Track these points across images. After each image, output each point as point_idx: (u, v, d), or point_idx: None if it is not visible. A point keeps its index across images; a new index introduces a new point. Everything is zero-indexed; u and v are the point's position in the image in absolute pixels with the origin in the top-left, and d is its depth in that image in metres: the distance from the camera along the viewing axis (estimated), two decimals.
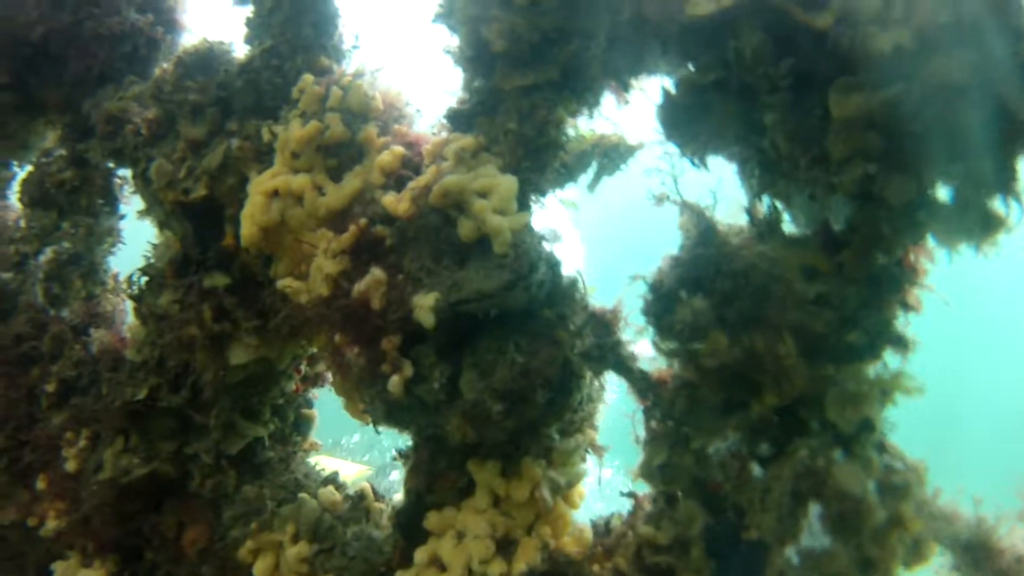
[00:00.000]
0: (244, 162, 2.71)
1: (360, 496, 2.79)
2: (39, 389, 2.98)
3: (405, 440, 2.72)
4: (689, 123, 2.39)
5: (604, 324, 2.33)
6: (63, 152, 3.06)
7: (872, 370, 2.20)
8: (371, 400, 2.44)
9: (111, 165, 3.04)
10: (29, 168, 3.18)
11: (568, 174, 2.74)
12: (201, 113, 2.76)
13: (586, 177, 2.78)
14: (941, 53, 1.94)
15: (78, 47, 2.94)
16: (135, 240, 3.25)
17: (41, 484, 2.96)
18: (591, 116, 2.69)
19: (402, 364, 2.38)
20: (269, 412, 2.89)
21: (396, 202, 2.47)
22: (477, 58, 2.52)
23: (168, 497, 2.82)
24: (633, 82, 2.57)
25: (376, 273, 2.40)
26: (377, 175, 2.60)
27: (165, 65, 2.84)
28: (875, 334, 2.24)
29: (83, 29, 2.93)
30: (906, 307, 2.33)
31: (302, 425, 3.01)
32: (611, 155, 2.71)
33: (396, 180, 2.56)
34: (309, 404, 3.04)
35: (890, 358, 2.26)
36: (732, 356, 2.11)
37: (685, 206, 2.33)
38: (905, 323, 2.29)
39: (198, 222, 2.76)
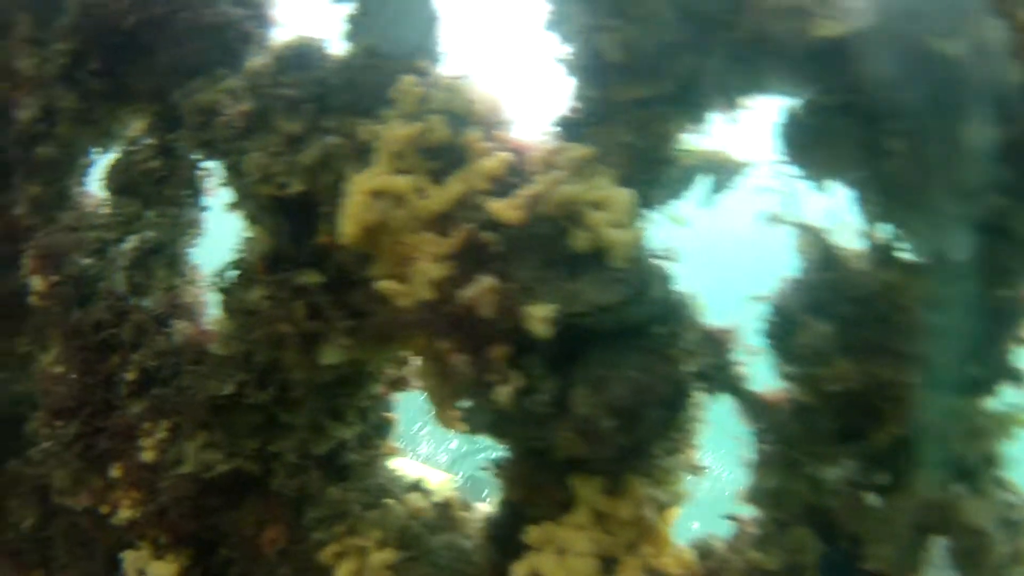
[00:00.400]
0: (341, 160, 2.65)
1: (446, 504, 2.74)
2: (118, 377, 2.93)
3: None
4: (813, 145, 2.35)
5: (718, 343, 2.29)
6: (151, 141, 3.00)
7: (991, 404, 2.16)
8: (475, 410, 2.40)
9: (198, 157, 2.99)
10: (113, 156, 3.13)
11: (672, 190, 2.69)
12: (297, 108, 2.70)
13: (692, 194, 2.74)
14: None
15: (171, 37, 2.88)
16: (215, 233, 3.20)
17: (116, 472, 2.90)
18: (698, 132, 2.64)
19: (510, 374, 2.34)
20: (354, 414, 2.84)
21: (506, 209, 2.42)
22: (590, 68, 2.47)
23: (248, 494, 2.77)
24: (742, 100, 2.53)
25: (487, 280, 2.34)
26: (481, 180, 2.54)
27: (261, 59, 2.78)
28: (994, 368, 2.21)
29: (177, 20, 2.86)
30: (1021, 341, 2.30)
31: (383, 428, 2.96)
32: (721, 172, 2.65)
33: (500, 186, 2.51)
34: (389, 407, 2.99)
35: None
36: (857, 383, 2.07)
37: (805, 228, 2.28)
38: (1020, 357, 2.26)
39: (292, 218, 2.71)
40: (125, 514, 2.86)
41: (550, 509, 2.44)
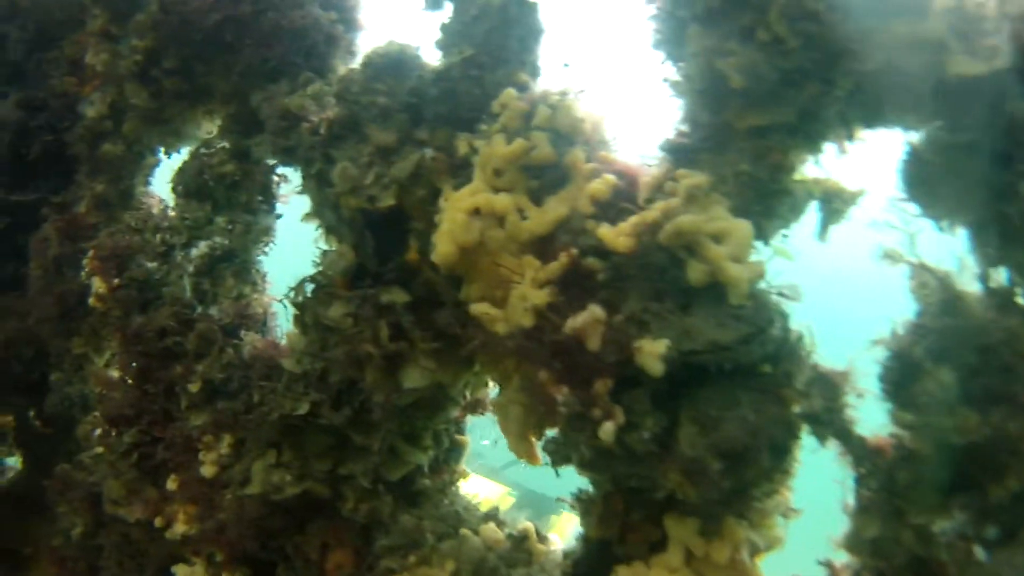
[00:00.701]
0: (437, 174, 2.53)
1: (523, 536, 2.60)
2: (180, 387, 2.79)
3: None
4: (935, 183, 2.25)
5: (831, 386, 2.17)
6: (225, 144, 2.88)
7: None
8: (565, 443, 2.27)
9: (274, 162, 2.86)
10: (184, 157, 3.00)
11: (785, 221, 2.58)
12: (390, 118, 2.58)
13: (801, 225, 2.64)
14: None
15: (255, 38, 2.75)
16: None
17: (172, 484, 2.76)
18: (814, 162, 2.53)
19: (614, 410, 2.22)
20: (430, 438, 2.71)
21: (615, 235, 2.30)
22: (708, 91, 2.35)
23: (315, 517, 2.63)
24: (860, 132, 2.43)
25: (595, 310, 2.22)
26: (586, 203, 2.42)
27: (352, 65, 2.66)
28: None
29: (263, 20, 2.74)
30: None
31: (456, 451, 2.82)
32: (834, 202, 2.55)
33: (605, 210, 2.40)
34: (461, 430, 2.86)
35: None
36: (982, 434, 1.96)
37: (924, 269, 2.18)
38: None
39: (378, 232, 2.58)
40: (180, 528, 2.71)
41: (640, 548, 2.32)
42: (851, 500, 2.26)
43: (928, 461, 2.12)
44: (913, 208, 2.24)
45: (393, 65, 2.66)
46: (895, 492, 2.18)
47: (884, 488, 2.19)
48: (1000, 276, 2.26)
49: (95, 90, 3.02)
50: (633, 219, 2.32)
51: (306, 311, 2.63)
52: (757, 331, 2.08)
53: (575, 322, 2.23)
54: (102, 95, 3.01)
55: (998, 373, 2.04)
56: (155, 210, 3.09)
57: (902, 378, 2.07)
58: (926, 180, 2.21)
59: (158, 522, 2.74)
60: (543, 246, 2.41)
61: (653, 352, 2.11)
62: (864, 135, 2.45)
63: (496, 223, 2.43)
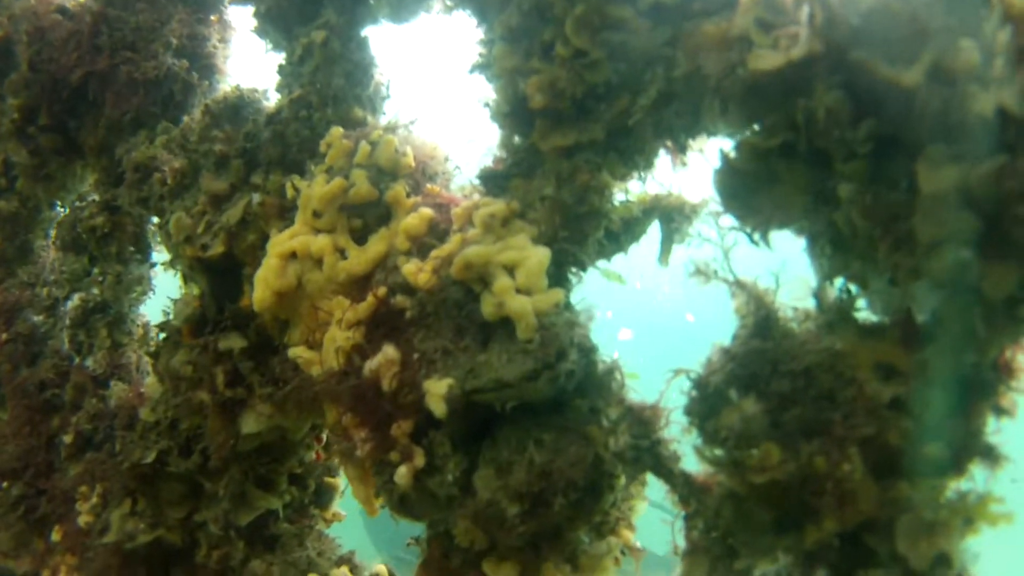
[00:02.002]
0: (266, 219, 2.43)
1: None
2: (58, 439, 2.80)
3: None
4: (751, 193, 2.01)
5: (643, 421, 1.96)
6: (96, 197, 2.88)
7: (953, 490, 1.78)
8: (380, 489, 2.14)
9: (140, 213, 2.85)
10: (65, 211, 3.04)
11: (617, 243, 2.39)
12: (226, 165, 2.52)
13: (640, 247, 2.44)
14: None
15: (114, 91, 2.75)
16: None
17: (56, 536, 2.75)
18: (643, 179, 2.35)
19: (413, 453, 2.07)
20: (286, 482, 2.62)
21: (416, 272, 2.17)
22: (514, 114, 2.18)
23: (175, 566, 2.57)
24: (692, 143, 2.22)
25: (388, 351, 2.09)
26: (402, 240, 2.29)
27: (194, 113, 2.63)
28: (960, 446, 1.82)
29: (119, 73, 2.73)
30: (999, 412, 1.90)
31: (324, 495, 2.71)
32: (674, 219, 2.34)
33: (420, 247, 2.26)
34: (332, 472, 2.75)
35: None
36: (785, 472, 1.72)
37: (739, 287, 1.95)
38: (995, 431, 1.87)
39: (217, 280, 2.52)
40: None
41: None
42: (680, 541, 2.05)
43: (748, 500, 1.89)
44: (730, 221, 2.03)
45: (231, 111, 2.59)
46: (722, 532, 1.95)
47: (711, 528, 1.96)
48: (835, 291, 2.02)
49: None
50: (433, 253, 2.18)
51: (157, 360, 2.58)
52: (544, 366, 1.89)
53: (371, 364, 2.10)
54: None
55: (815, 401, 1.80)
56: (49, 263, 3.13)
57: (706, 410, 1.84)
58: (741, 190, 1.98)
59: (44, 574, 2.73)
60: (361, 287, 2.28)
61: (436, 392, 1.94)
62: (702, 147, 2.26)
63: (314, 265, 2.32)
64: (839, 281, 1.97)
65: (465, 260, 2.00)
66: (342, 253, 2.30)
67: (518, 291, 1.97)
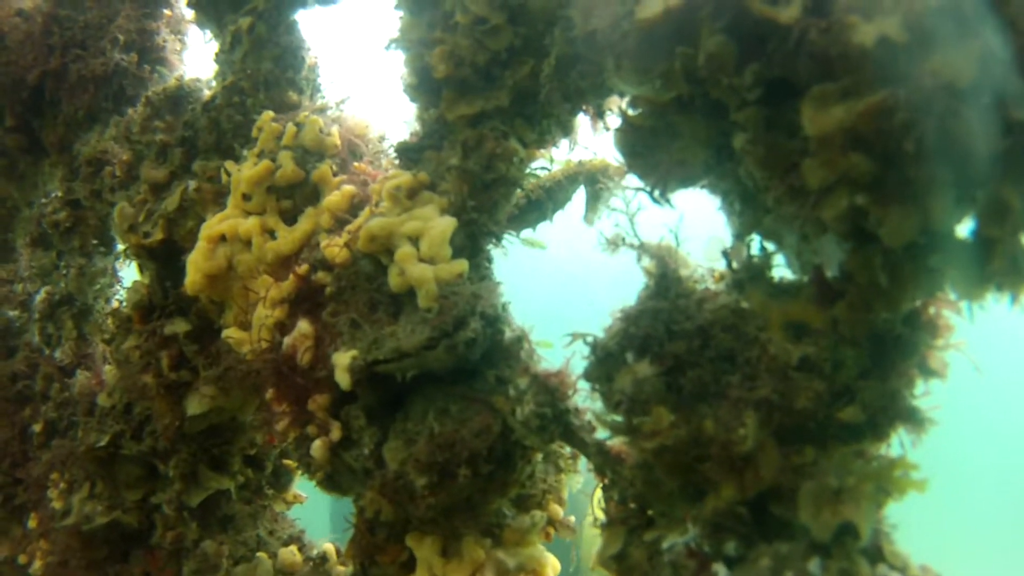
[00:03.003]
0: (203, 204, 2.43)
1: (323, 558, 2.45)
2: (30, 429, 2.86)
3: None
4: (650, 150, 1.92)
5: (548, 389, 1.89)
6: (59, 193, 2.93)
7: (870, 456, 1.65)
8: (300, 464, 2.12)
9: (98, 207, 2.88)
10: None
11: (540, 211, 2.32)
12: (166, 154, 2.53)
13: (567, 212, 2.36)
14: (940, 45, 1.41)
15: (67, 89, 2.79)
16: None
17: (32, 522, 2.80)
18: (571, 146, 2.27)
19: (330, 426, 2.04)
20: (240, 463, 2.62)
21: (331, 246, 2.13)
22: (422, 86, 2.12)
23: (135, 547, 2.60)
24: (606, 105, 2.13)
25: (302, 326, 2.06)
26: (326, 218, 2.26)
27: (136, 106, 2.64)
28: (878, 409, 1.69)
29: (70, 71, 2.77)
30: (926, 373, 1.77)
31: (282, 477, 2.71)
32: (598, 180, 2.26)
33: (343, 224, 2.22)
34: (290, 455, 2.73)
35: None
36: (675, 438, 1.62)
37: (642, 249, 1.86)
38: (922, 393, 1.73)
39: (162, 266, 2.52)
40: (37, 564, 2.74)
41: (392, 570, 2.10)
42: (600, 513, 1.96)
43: (654, 468, 1.79)
44: (634, 182, 1.93)
45: (171, 101, 2.58)
46: (637, 503, 1.87)
47: (625, 498, 1.88)
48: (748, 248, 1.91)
49: None
50: (347, 227, 2.13)
51: (112, 346, 2.61)
52: (442, 335, 1.83)
53: (288, 339, 2.08)
54: None
55: (712, 363, 1.70)
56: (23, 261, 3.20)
57: (602, 374, 1.76)
58: (640, 147, 1.88)
59: (21, 559, 2.79)
60: (290, 265, 2.26)
61: (340, 364, 1.90)
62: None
63: (244, 247, 2.30)
64: (759, 239, 1.87)
65: (369, 232, 1.96)
66: (272, 234, 2.28)
67: (422, 261, 1.92)
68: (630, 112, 1.84)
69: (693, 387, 1.64)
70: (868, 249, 1.60)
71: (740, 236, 1.86)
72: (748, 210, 1.85)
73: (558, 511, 2.09)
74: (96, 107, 2.74)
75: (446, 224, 1.91)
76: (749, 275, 1.80)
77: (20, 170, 3.00)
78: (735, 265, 1.82)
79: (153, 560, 2.51)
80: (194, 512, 2.46)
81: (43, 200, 2.95)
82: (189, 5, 2.51)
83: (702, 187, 1.93)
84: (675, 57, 1.70)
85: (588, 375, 1.73)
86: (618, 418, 1.71)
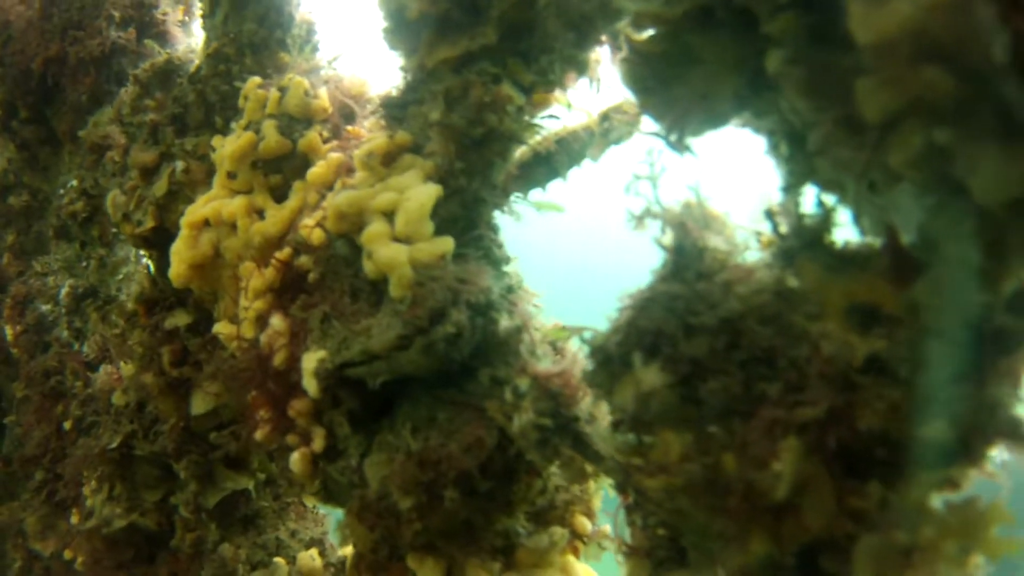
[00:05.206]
0: (192, 186, 2.18)
1: (343, 564, 2.22)
2: (62, 425, 2.76)
3: None
4: (664, 84, 1.49)
5: (551, 394, 1.52)
6: (75, 183, 2.78)
7: (956, 487, 1.19)
8: (282, 478, 1.85)
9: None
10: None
11: (551, 168, 1.92)
12: (157, 134, 2.29)
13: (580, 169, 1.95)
14: None
15: (69, 75, 2.60)
16: None
17: (74, 518, 2.73)
18: (594, 88, 1.85)
19: (313, 435, 1.76)
20: (260, 459, 2.41)
21: (309, 226, 1.83)
22: (400, 30, 1.77)
23: (160, 549, 2.44)
24: (600, 35, 1.69)
25: (275, 322, 1.77)
26: (312, 193, 1.97)
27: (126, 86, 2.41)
28: (972, 423, 1.23)
29: (70, 55, 2.58)
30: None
31: None
32: (609, 118, 1.84)
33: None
34: None
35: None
36: (687, 475, 1.21)
37: (663, 215, 1.44)
38: None
39: (160, 255, 2.32)
40: (79, 560, 2.67)
41: None
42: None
43: (678, 497, 1.39)
44: (650, 126, 1.50)
45: (161, 77, 2.31)
46: (666, 531, 1.48)
47: (649, 524, 1.49)
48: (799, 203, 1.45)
49: None
50: (323, 204, 1.81)
51: (123, 341, 2.43)
52: (415, 331, 1.48)
53: (263, 337, 1.79)
54: (1, 150, 3.04)
55: (743, 369, 1.27)
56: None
57: (606, 381, 1.37)
58: (653, 81, 1.45)
59: (67, 554, 2.71)
60: (278, 247, 1.98)
61: (307, 368, 1.60)
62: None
63: (231, 231, 2.04)
64: (816, 191, 1.41)
65: (336, 208, 1.62)
66: (261, 214, 2.01)
67: (399, 240, 1.58)
68: (635, 36, 1.42)
69: (716, 403, 1.22)
70: (956, 206, 1.13)
71: (789, 188, 1.42)
72: (798, 154, 1.40)
73: (586, 524, 1.73)
74: (99, 90, 2.53)
75: (425, 194, 1.55)
76: (800, 241, 1.35)
77: (42, 161, 2.86)
78: (782, 228, 1.38)
79: (177, 563, 2.34)
80: (213, 512, 2.26)
81: (61, 191, 2.81)
82: None
83: (743, 126, 1.49)
84: None
85: (591, 380, 1.35)
86: (617, 436, 1.32)
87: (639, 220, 1.41)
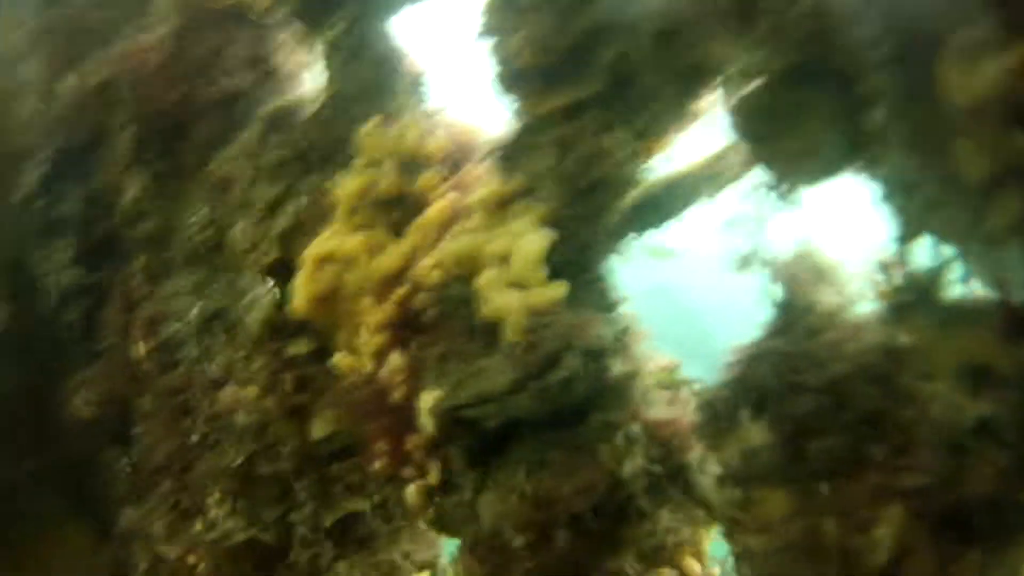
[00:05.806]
0: (314, 221, 2.32)
1: None
2: (190, 440, 2.94)
3: None
4: (774, 135, 1.48)
5: (661, 442, 1.53)
6: (205, 212, 2.97)
7: None
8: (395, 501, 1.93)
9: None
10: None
11: (659, 211, 1.92)
12: (280, 171, 2.43)
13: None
14: None
15: (194, 115, 2.80)
16: None
17: (198, 526, 2.91)
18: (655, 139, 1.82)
19: (428, 469, 1.83)
20: (373, 483, 2.50)
21: (427, 267, 1.90)
22: (509, 77, 1.83)
23: (277, 564, 2.58)
24: (699, 88, 1.68)
25: (394, 358, 1.85)
26: (430, 232, 2.04)
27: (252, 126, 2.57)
28: None
29: (194, 97, 2.78)
30: None
31: None
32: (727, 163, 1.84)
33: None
34: None
35: None
36: (788, 536, 1.20)
37: (775, 268, 1.43)
38: None
39: (282, 284, 2.45)
40: (201, 566, 2.84)
41: None
42: None
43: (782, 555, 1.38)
44: (762, 177, 1.48)
45: (282, 118, 2.48)
46: None
47: (759, 573, 1.48)
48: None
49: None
50: (441, 246, 1.88)
51: (248, 364, 2.57)
52: (527, 377, 1.53)
53: (383, 372, 1.87)
54: (135, 180, 3.26)
55: (849, 430, 1.24)
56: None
57: (714, 435, 1.36)
58: (765, 131, 1.44)
59: (190, 560, 2.89)
60: (395, 284, 2.06)
61: (423, 407, 1.67)
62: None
63: (350, 266, 2.14)
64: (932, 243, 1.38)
65: (453, 254, 1.70)
66: (379, 250, 2.10)
67: (512, 286, 1.63)
68: (742, 87, 1.43)
69: (819, 463, 1.21)
70: None
71: (903, 239, 1.39)
72: (911, 205, 1.37)
73: (695, 567, 1.73)
74: (222, 129, 2.71)
75: (539, 240, 1.61)
76: (913, 295, 1.33)
77: (171, 192, 3.07)
78: (896, 281, 1.36)
79: None
80: (330, 532, 2.38)
81: (191, 220, 3.00)
82: (294, 16, 2.38)
83: (858, 172, 1.46)
84: (806, 25, 1.27)
85: (699, 434, 1.36)
86: (726, 492, 1.33)
87: (744, 261, 1.41)
